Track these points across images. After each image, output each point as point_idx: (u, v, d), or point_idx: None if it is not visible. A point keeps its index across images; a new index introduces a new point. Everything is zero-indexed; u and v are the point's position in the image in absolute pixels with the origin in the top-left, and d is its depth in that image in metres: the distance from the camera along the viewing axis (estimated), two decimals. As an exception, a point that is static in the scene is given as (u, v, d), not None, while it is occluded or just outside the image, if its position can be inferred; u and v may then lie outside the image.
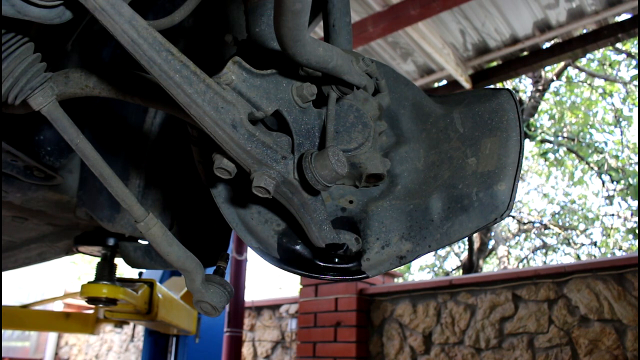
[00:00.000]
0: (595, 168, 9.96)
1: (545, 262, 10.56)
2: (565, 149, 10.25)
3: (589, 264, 3.66)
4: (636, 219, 9.37)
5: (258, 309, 5.91)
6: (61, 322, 3.32)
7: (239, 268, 4.96)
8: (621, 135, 9.86)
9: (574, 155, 10.27)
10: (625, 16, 4.45)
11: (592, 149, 10.02)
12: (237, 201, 0.96)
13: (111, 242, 1.78)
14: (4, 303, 3.31)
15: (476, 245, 8.91)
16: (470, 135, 0.93)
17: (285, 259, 0.92)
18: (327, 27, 1.03)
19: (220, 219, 0.95)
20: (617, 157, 9.80)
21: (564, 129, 10.13)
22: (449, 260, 11.63)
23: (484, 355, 3.91)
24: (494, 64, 5.02)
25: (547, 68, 9.00)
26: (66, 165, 1.41)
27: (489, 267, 11.22)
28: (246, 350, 5.80)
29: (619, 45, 8.85)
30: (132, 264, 1.60)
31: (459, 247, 10.94)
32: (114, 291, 1.97)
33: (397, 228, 0.90)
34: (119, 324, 3.50)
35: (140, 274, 2.86)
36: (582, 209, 10.59)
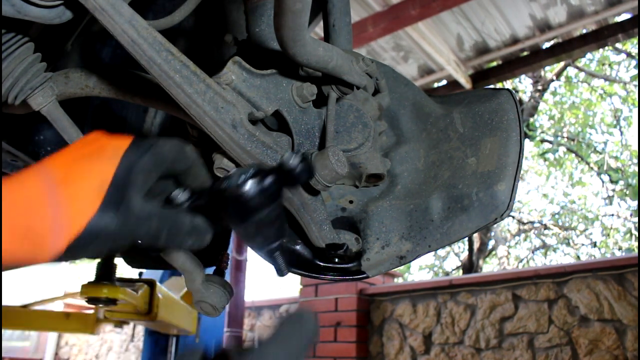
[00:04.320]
0: (595, 168, 9.96)
1: (545, 263, 10.56)
2: (565, 149, 10.25)
3: (589, 264, 3.66)
4: (635, 219, 9.37)
5: (258, 309, 5.90)
6: (61, 322, 3.31)
7: (239, 268, 4.95)
8: (621, 135, 9.87)
9: (573, 155, 10.27)
10: (625, 16, 4.45)
11: (591, 150, 10.02)
12: (237, 201, 0.95)
13: (111, 242, 1.77)
14: (4, 303, 3.31)
15: (476, 245, 8.90)
16: (470, 135, 0.92)
17: (285, 259, 0.92)
18: (327, 27, 1.03)
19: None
20: (616, 157, 9.80)
21: (564, 129, 10.13)
22: (449, 260, 11.63)
23: (484, 355, 3.91)
24: (494, 64, 5.02)
25: (547, 68, 9.00)
26: (66, 165, 1.41)
27: (489, 267, 11.21)
28: (246, 350, 5.79)
29: (618, 45, 8.84)
30: (132, 264, 1.60)
31: (459, 247, 10.93)
32: (114, 291, 1.97)
33: (397, 228, 0.90)
34: (119, 324, 3.50)
35: (140, 274, 2.86)
36: (581, 209, 10.58)
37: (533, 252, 10.72)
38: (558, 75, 9.55)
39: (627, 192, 9.35)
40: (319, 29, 1.65)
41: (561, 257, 10.56)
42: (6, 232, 0.47)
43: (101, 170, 0.53)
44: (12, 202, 0.48)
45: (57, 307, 7.16)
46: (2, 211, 0.47)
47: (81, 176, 0.52)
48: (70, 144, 0.57)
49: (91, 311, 3.40)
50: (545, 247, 10.62)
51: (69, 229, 0.50)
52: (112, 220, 0.52)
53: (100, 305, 1.98)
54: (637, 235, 9.26)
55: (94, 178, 0.52)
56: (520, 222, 10.59)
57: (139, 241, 0.54)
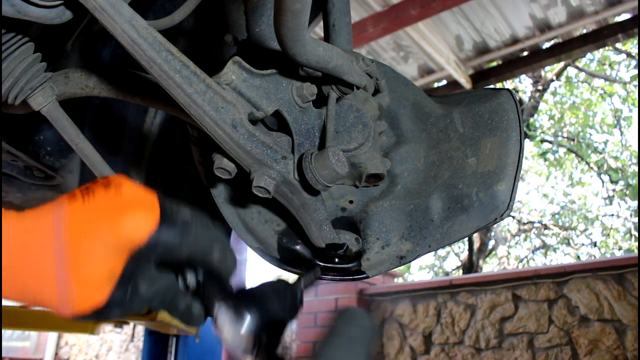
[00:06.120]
0: (595, 168, 9.96)
1: (545, 263, 10.55)
2: (565, 149, 10.25)
3: (589, 264, 3.66)
4: (635, 219, 9.37)
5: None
6: (61, 322, 3.31)
7: (239, 268, 4.96)
8: (621, 135, 9.87)
9: (573, 155, 10.27)
10: (625, 16, 4.45)
11: (591, 150, 10.02)
12: (237, 201, 0.95)
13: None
14: (4, 303, 3.31)
15: (476, 245, 8.90)
16: (470, 135, 0.92)
17: (285, 259, 0.92)
18: (327, 27, 1.03)
19: (220, 219, 0.95)
20: (616, 157, 9.80)
21: (564, 129, 10.13)
22: (449, 260, 11.63)
23: (484, 355, 3.91)
24: (494, 64, 5.02)
25: (547, 68, 9.00)
26: (66, 165, 1.41)
27: (489, 267, 11.21)
28: (246, 350, 5.79)
29: (618, 45, 8.84)
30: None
31: (459, 247, 10.93)
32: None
33: (397, 228, 0.90)
34: (119, 324, 3.50)
35: (140, 274, 2.85)
36: (581, 209, 10.58)
37: (533, 252, 10.72)
38: (558, 75, 9.55)
39: (627, 192, 9.35)
40: (319, 29, 1.65)
41: (561, 257, 10.56)
42: (9, 286, 0.50)
43: (112, 260, 0.53)
44: (20, 254, 0.49)
45: (57, 307, 7.15)
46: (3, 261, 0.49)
47: (92, 259, 0.52)
48: (91, 183, 0.55)
49: (91, 311, 3.39)
50: (545, 247, 10.62)
51: (74, 309, 0.53)
52: (117, 310, 0.55)
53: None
54: (637, 235, 9.26)
55: (104, 266, 0.52)
56: (520, 222, 10.59)
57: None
